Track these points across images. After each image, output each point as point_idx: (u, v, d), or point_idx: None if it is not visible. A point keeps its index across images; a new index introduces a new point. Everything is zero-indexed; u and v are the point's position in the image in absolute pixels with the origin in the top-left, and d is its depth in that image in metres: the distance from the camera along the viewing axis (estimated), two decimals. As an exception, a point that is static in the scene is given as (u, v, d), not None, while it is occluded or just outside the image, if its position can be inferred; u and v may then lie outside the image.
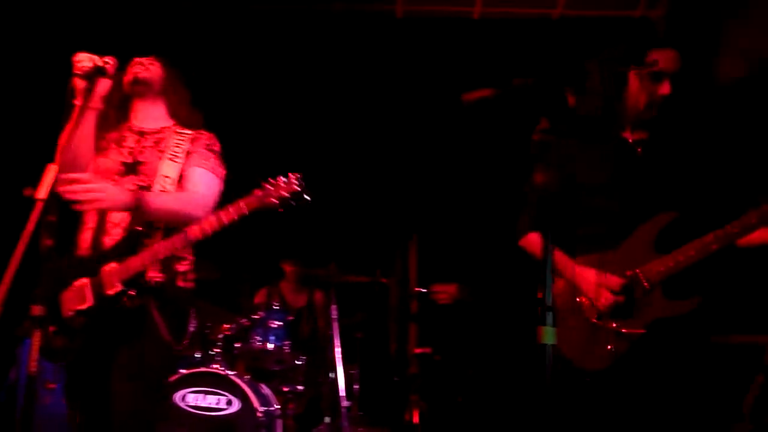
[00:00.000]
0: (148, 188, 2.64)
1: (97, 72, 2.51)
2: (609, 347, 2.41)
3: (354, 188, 5.42)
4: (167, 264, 2.60)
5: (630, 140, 2.60)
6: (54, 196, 2.17)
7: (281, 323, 4.40)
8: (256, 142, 5.16)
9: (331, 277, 4.45)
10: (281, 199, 2.35)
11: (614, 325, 2.42)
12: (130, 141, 2.76)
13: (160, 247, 2.45)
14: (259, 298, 5.23)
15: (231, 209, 2.39)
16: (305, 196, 2.36)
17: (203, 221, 2.42)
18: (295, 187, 2.35)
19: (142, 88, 2.80)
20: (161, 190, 2.63)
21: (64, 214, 2.30)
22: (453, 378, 4.55)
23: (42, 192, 2.15)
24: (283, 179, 2.38)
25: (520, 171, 2.72)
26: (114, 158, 2.72)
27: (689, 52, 4.75)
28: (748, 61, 4.18)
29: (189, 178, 2.69)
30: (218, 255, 4.24)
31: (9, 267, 2.07)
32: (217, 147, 2.81)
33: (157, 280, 2.57)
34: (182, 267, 2.69)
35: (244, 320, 4.36)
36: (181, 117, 2.86)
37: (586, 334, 2.47)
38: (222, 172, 2.78)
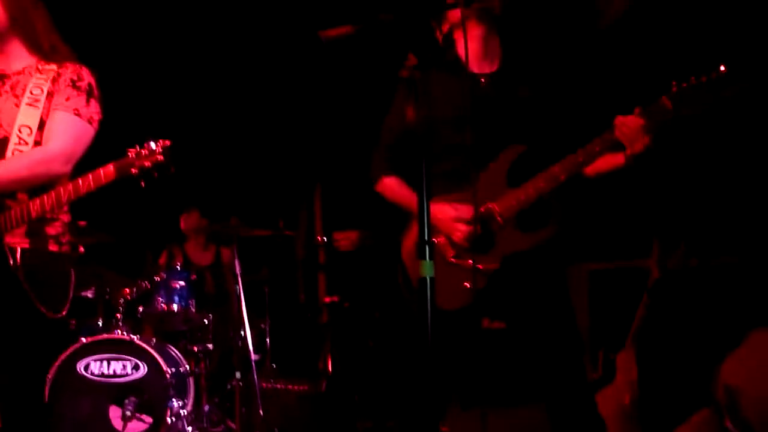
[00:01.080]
0: (4, 142, 2.47)
1: None
2: (466, 284, 2.46)
3: (250, 140, 5.44)
4: (34, 227, 2.47)
5: (475, 72, 2.63)
6: None
7: (184, 283, 4.46)
8: (140, 86, 5.06)
9: (233, 232, 4.49)
10: (142, 169, 2.30)
11: (470, 262, 2.46)
12: None
13: (13, 215, 2.37)
14: (162, 259, 5.30)
15: (90, 177, 2.33)
16: (170, 168, 2.30)
17: (62, 186, 2.35)
18: (159, 157, 2.29)
19: None
20: (18, 143, 2.45)
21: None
22: (362, 323, 4.72)
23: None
24: (150, 147, 2.31)
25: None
26: None
27: None
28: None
29: (48, 126, 2.49)
30: (113, 218, 4.26)
31: None
32: (85, 81, 2.56)
33: (23, 246, 2.44)
34: (53, 230, 2.53)
35: (145, 283, 4.42)
36: (43, 49, 2.60)
37: (444, 273, 2.45)
38: (92, 112, 2.54)
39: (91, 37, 2.98)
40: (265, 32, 5.20)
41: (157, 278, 4.44)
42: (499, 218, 2.49)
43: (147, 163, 2.29)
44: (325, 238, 4.75)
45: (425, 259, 1.84)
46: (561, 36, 4.84)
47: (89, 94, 2.56)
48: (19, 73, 2.59)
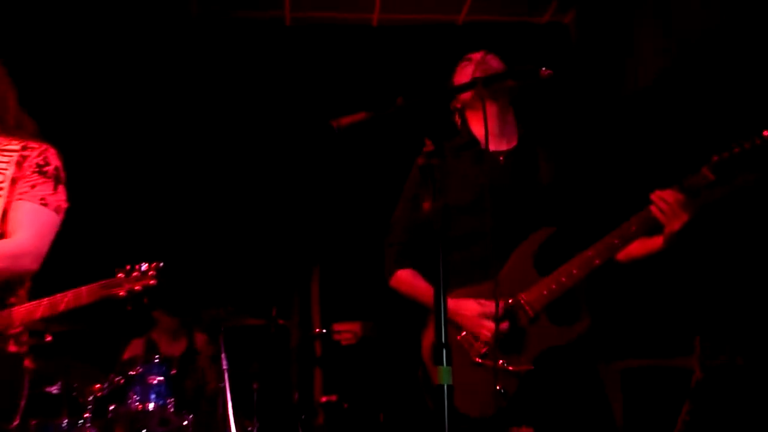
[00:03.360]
0: None
1: None
2: (498, 387, 2.39)
3: (238, 219, 5.48)
4: None
5: (491, 150, 2.67)
6: None
7: (162, 378, 4.38)
8: (119, 166, 5.17)
9: (219, 321, 4.44)
10: (131, 293, 2.34)
11: (500, 362, 2.40)
12: None
13: None
14: (133, 350, 5.16)
15: (69, 297, 2.35)
16: (158, 291, 2.37)
17: (34, 305, 2.37)
18: (151, 281, 2.35)
19: None
20: None
21: None
22: (363, 427, 4.62)
23: None
24: (140, 269, 2.36)
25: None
26: None
27: (601, 57, 5.13)
28: (668, 51, 4.48)
29: (12, 217, 2.47)
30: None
31: None
32: (52, 165, 2.57)
33: None
34: (13, 328, 2.50)
35: (118, 378, 4.34)
36: (8, 125, 2.61)
37: (470, 376, 2.43)
38: (59, 200, 2.56)
39: (56, 117, 3.03)
40: (259, 112, 5.37)
41: (132, 372, 4.35)
42: (529, 311, 2.45)
43: (137, 287, 2.33)
44: (323, 330, 4.69)
45: (442, 364, 1.82)
46: (583, 105, 4.99)
47: (57, 180, 2.56)
48: None
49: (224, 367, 4.34)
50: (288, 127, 5.33)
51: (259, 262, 5.52)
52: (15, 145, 2.56)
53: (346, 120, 2.06)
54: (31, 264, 2.46)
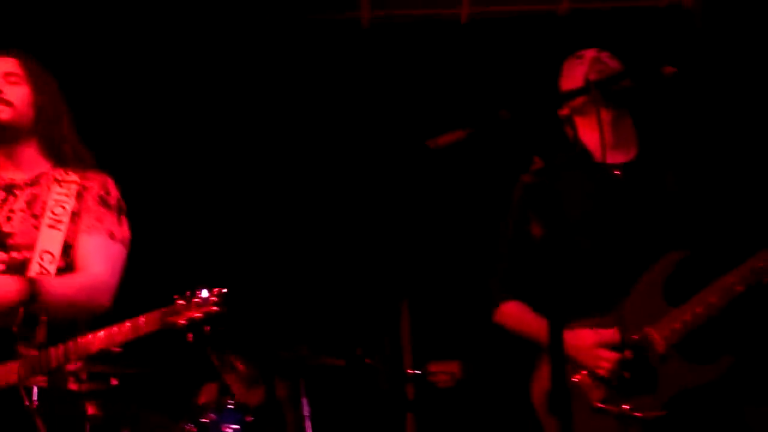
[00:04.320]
0: (22, 267, 2.53)
1: None
2: None
3: (322, 249, 5.38)
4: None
5: (607, 162, 2.60)
6: None
7: (237, 426, 4.31)
8: (181, 193, 5.16)
9: (302, 364, 4.40)
10: (191, 321, 2.32)
11: (625, 407, 2.31)
12: None
13: (34, 360, 2.39)
14: (206, 395, 5.02)
15: (127, 327, 2.35)
16: (222, 320, 2.35)
17: (90, 338, 2.37)
18: (213, 308, 2.31)
19: (9, 135, 2.67)
20: (40, 272, 2.50)
21: None
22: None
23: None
24: (201, 296, 2.33)
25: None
26: None
27: (731, 46, 4.86)
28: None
29: (81, 252, 2.58)
30: (149, 342, 4.18)
31: None
32: (113, 196, 2.71)
33: (40, 385, 2.46)
34: (72, 365, 2.58)
35: (189, 426, 4.27)
36: (66, 156, 2.73)
37: (589, 424, 2.35)
38: (124, 232, 2.68)
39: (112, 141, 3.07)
40: (339, 128, 5.31)
41: (205, 420, 4.28)
42: (659, 347, 2.36)
43: (197, 315, 2.31)
44: (417, 371, 4.61)
45: (559, 414, 1.78)
46: (714, 104, 4.74)
47: (120, 211, 2.70)
48: (33, 183, 2.67)
49: (305, 413, 4.29)
50: (372, 145, 5.24)
51: (341, 296, 5.42)
52: (73, 177, 2.67)
53: (443, 139, 2.00)
54: (106, 299, 2.57)
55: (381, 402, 5.24)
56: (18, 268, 2.53)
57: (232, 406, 4.39)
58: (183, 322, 2.31)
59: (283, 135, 5.27)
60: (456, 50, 5.26)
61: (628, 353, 2.36)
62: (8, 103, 2.64)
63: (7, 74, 2.70)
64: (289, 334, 4.78)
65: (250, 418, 4.39)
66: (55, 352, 2.39)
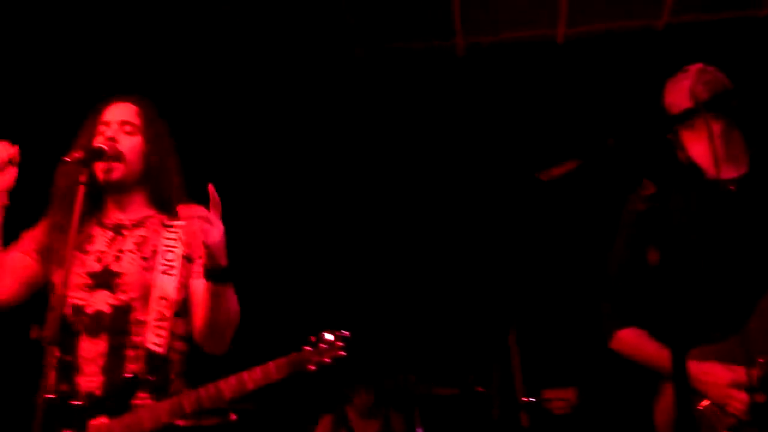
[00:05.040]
0: (127, 309, 2.58)
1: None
2: None
3: (431, 279, 5.42)
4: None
5: (721, 177, 2.54)
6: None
7: None
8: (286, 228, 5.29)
9: (412, 393, 4.44)
10: (320, 366, 2.43)
11: None
12: (100, 242, 2.68)
13: (164, 408, 2.46)
14: (323, 428, 5.16)
15: (257, 374, 2.42)
16: (344, 359, 2.44)
17: (221, 385, 2.44)
18: (340, 352, 2.42)
19: (117, 188, 2.73)
20: (158, 318, 2.58)
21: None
22: None
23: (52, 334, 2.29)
24: (327, 340, 2.44)
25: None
26: (77, 269, 2.61)
27: None
28: None
29: (200, 294, 2.60)
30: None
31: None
32: None
33: (153, 429, 2.50)
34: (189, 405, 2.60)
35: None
36: (171, 207, 2.72)
37: None
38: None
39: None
40: (439, 155, 5.34)
41: None
42: None
43: (326, 359, 2.42)
44: (531, 398, 4.53)
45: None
46: None
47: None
48: (139, 225, 2.72)
49: None
50: (478, 174, 5.24)
51: (450, 326, 5.43)
52: (180, 222, 2.65)
53: (555, 171, 2.02)
54: (230, 337, 2.60)
55: (495, 430, 5.26)
56: (125, 310, 2.58)
57: None
58: (313, 368, 2.42)
59: (388, 168, 5.34)
60: (554, 71, 5.23)
61: (759, 397, 2.27)
62: (120, 158, 2.67)
63: (124, 123, 2.74)
64: (399, 364, 4.83)
65: None
66: (188, 400, 2.45)
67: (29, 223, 2.78)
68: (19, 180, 2.55)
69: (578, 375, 4.45)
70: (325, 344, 2.43)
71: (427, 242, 5.40)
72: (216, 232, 2.42)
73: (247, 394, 2.43)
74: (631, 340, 2.60)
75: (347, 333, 2.44)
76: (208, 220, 2.39)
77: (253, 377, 2.41)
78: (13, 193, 2.56)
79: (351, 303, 5.09)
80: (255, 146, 5.31)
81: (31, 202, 2.73)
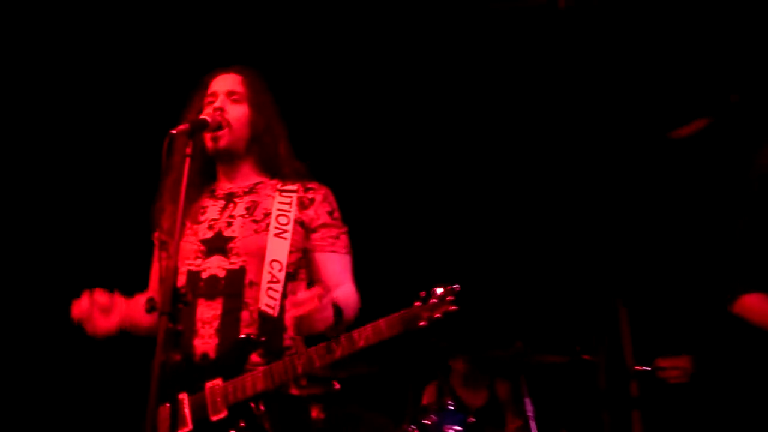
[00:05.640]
0: (241, 272, 2.66)
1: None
2: None
3: (539, 243, 5.37)
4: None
5: None
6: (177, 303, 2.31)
7: (459, 428, 4.30)
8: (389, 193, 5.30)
9: (519, 361, 4.36)
10: (432, 322, 2.38)
11: None
12: (212, 212, 2.79)
13: (278, 369, 2.49)
14: (428, 396, 5.05)
15: (368, 331, 2.41)
16: (454, 314, 2.39)
17: (332, 344, 2.44)
18: (451, 307, 2.38)
19: (226, 156, 2.82)
20: (271, 280, 2.61)
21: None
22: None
23: (163, 304, 2.30)
24: (438, 294, 2.40)
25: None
26: (191, 239, 2.73)
27: None
28: None
29: (329, 270, 2.72)
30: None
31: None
32: (337, 208, 2.84)
33: (266, 390, 2.53)
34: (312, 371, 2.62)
35: (411, 428, 4.30)
36: (279, 171, 2.85)
37: None
38: (349, 242, 2.83)
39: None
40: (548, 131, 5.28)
41: (426, 422, 4.30)
42: None
43: (437, 314, 2.37)
44: (645, 367, 4.41)
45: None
46: None
47: (343, 222, 2.82)
48: (251, 191, 2.82)
49: (529, 413, 4.23)
50: (585, 138, 5.15)
51: (558, 290, 5.36)
52: (293, 186, 2.80)
53: (685, 130, 1.95)
54: (353, 315, 2.66)
55: (603, 400, 5.19)
56: (238, 273, 2.65)
57: (453, 408, 4.37)
58: (424, 323, 2.38)
59: (497, 131, 5.29)
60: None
61: None
62: (227, 125, 2.76)
63: (230, 92, 2.82)
64: (506, 331, 4.75)
65: (472, 420, 4.35)
66: (300, 361, 2.48)
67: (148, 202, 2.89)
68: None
69: (693, 342, 4.32)
70: (435, 299, 2.39)
71: (537, 205, 5.35)
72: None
73: (357, 354, 2.42)
74: (757, 304, 2.58)
75: (458, 286, 2.40)
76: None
77: (363, 335, 2.40)
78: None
79: (456, 266, 5.08)
80: (367, 100, 5.35)
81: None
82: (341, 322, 2.46)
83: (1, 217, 4.97)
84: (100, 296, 2.71)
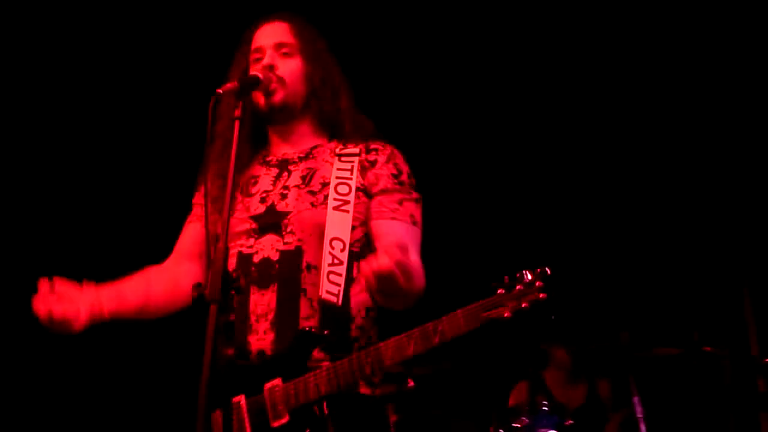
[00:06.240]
0: (298, 253, 2.45)
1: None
2: None
3: (645, 219, 5.04)
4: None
5: None
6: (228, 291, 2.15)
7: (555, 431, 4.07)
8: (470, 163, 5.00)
9: (625, 355, 4.05)
10: (517, 312, 2.14)
11: None
12: (265, 182, 2.60)
13: (343, 369, 2.28)
14: (517, 396, 4.74)
15: (444, 325, 2.18)
16: (551, 307, 2.16)
17: (402, 339, 2.22)
18: (540, 294, 2.12)
19: (281, 115, 2.60)
20: (332, 262, 2.40)
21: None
22: None
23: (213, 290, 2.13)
24: (525, 279, 2.15)
25: None
26: (240, 215, 2.54)
27: None
28: None
29: (389, 240, 2.41)
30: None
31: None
32: (405, 172, 2.58)
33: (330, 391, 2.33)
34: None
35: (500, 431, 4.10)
36: (341, 129, 2.65)
37: None
38: (419, 214, 2.56)
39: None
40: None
41: (517, 425, 4.07)
42: None
43: (523, 304, 2.14)
44: None
45: None
46: None
47: (412, 190, 2.56)
48: (307, 156, 2.61)
49: (638, 414, 3.94)
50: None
51: (670, 274, 5.00)
52: (354, 149, 2.59)
53: None
54: (418, 292, 2.38)
55: (726, 398, 4.82)
56: (294, 254, 2.45)
57: (547, 408, 4.16)
58: (508, 314, 2.13)
59: (588, 122, 5.03)
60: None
61: None
62: (281, 81, 2.55)
63: (279, 45, 2.60)
64: (608, 321, 4.47)
65: (569, 422, 4.13)
66: (368, 358, 2.27)
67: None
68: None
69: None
70: (521, 285, 2.15)
71: (653, 180, 5.02)
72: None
73: (433, 350, 2.22)
74: None
75: (548, 270, 2.16)
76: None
77: (439, 329, 2.19)
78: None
79: (551, 244, 4.82)
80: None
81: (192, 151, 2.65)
82: (403, 290, 2.26)
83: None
84: (61, 285, 2.48)
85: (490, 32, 4.97)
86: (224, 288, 2.12)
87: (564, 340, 4.66)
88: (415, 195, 2.56)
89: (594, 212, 5.06)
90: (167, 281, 2.65)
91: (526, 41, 4.97)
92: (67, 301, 2.45)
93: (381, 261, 2.15)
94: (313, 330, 2.37)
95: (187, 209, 2.79)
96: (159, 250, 2.77)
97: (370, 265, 2.17)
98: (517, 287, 2.14)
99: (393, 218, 2.48)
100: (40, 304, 2.42)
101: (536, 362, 4.60)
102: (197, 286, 2.17)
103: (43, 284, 2.44)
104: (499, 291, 2.16)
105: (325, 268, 2.41)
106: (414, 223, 2.50)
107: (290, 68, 2.57)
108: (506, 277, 2.18)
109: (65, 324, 2.44)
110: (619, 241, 5.03)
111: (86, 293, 2.50)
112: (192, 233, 2.72)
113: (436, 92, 5.04)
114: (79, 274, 2.56)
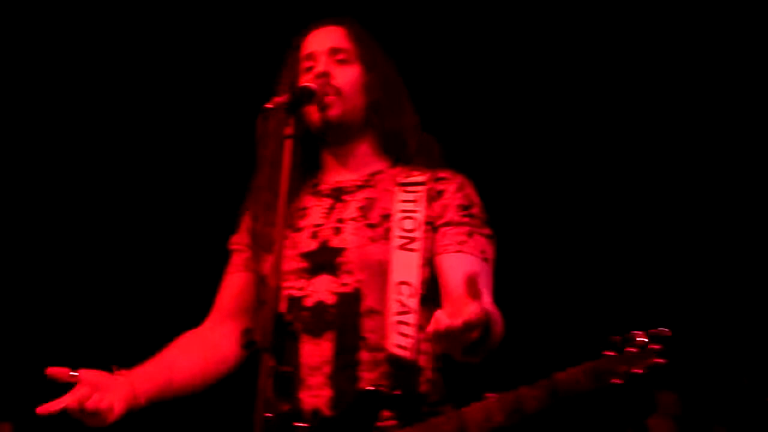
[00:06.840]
0: (357, 296, 2.23)
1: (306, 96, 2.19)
2: None
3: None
4: None
5: None
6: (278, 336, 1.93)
7: None
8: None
9: (745, 401, 3.85)
10: (630, 378, 1.99)
11: None
12: (316, 214, 2.37)
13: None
14: None
15: (539, 392, 1.99)
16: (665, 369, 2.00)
17: (491, 405, 2.02)
18: (657, 359, 1.97)
19: (339, 133, 2.37)
20: (400, 311, 2.19)
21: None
22: None
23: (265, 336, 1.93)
24: (637, 342, 1.99)
25: None
26: (289, 252, 2.30)
27: None
28: None
29: (449, 276, 2.21)
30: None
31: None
32: (476, 204, 2.36)
33: None
34: None
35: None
36: (405, 151, 2.41)
37: None
38: (491, 251, 2.33)
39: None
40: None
41: None
42: None
43: (637, 370, 1.99)
44: None
45: None
46: None
47: (484, 224, 2.34)
48: (366, 185, 2.40)
49: None
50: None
51: None
52: (420, 177, 2.37)
53: None
54: (499, 338, 2.17)
55: None
56: (353, 297, 2.24)
57: None
58: (618, 381, 1.98)
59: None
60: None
61: None
62: (337, 93, 2.31)
63: (334, 50, 2.37)
64: (729, 363, 4.18)
65: None
66: (450, 425, 2.07)
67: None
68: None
69: None
70: (635, 347, 1.99)
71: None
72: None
73: (526, 418, 2.03)
74: None
75: (667, 331, 2.01)
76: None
77: (532, 395, 2.02)
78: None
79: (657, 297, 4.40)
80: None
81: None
82: (487, 343, 2.06)
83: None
84: (88, 375, 2.26)
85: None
86: (278, 333, 1.91)
87: (674, 383, 4.39)
88: (487, 230, 2.33)
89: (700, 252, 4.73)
90: (211, 348, 2.45)
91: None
92: (99, 391, 2.26)
93: (470, 310, 1.91)
94: (381, 389, 2.17)
95: (225, 256, 2.57)
96: (195, 310, 2.55)
97: (453, 318, 1.91)
98: (630, 350, 2.01)
99: (459, 251, 2.26)
100: (70, 397, 2.22)
101: (640, 408, 4.41)
102: (246, 331, 2.05)
103: (71, 377, 2.25)
104: (606, 353, 2.02)
105: (393, 317, 2.21)
106: (485, 260, 2.28)
107: (348, 77, 2.35)
108: (617, 338, 2.04)
109: (99, 417, 2.25)
110: (736, 278, 4.66)
111: (118, 380, 2.32)
112: (234, 285, 2.49)
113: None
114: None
